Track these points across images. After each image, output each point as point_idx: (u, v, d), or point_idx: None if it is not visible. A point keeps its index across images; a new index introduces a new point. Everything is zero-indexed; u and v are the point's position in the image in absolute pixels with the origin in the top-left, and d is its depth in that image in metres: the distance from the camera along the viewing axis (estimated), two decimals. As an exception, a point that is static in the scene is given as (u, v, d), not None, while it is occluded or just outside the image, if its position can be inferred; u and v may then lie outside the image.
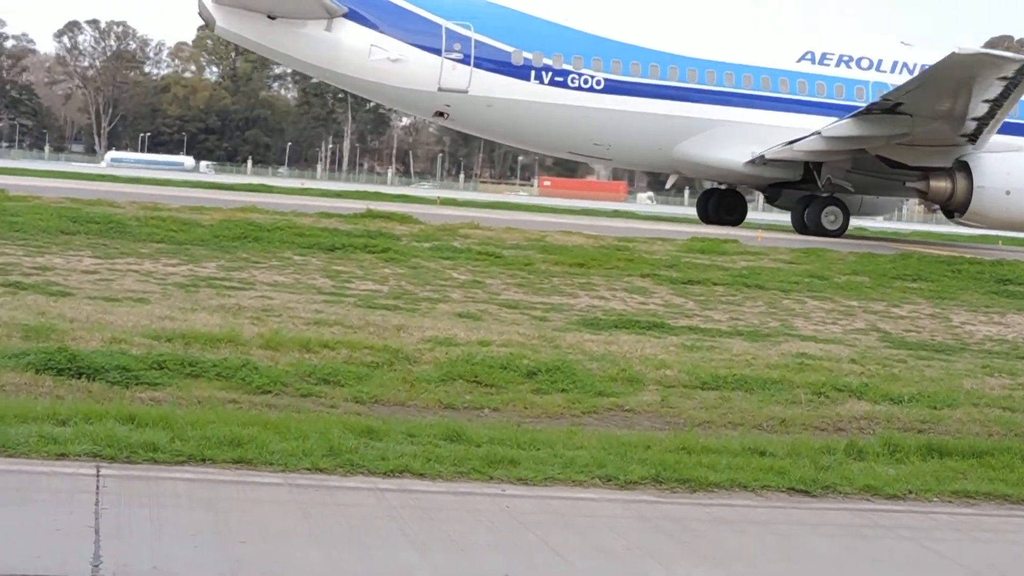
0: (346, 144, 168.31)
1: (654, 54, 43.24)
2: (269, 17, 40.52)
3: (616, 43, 43.08)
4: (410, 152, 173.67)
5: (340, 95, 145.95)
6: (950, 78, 36.79)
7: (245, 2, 40.17)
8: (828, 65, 44.61)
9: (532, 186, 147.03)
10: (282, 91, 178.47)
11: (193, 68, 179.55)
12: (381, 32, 41.27)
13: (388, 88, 42.60)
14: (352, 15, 40.94)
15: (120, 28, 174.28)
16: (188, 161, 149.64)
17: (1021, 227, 42.57)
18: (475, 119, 43.91)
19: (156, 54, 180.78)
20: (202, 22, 43.70)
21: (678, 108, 43.04)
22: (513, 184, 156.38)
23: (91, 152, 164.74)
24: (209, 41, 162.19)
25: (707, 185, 50.33)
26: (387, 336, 15.26)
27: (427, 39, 41.56)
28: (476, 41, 41.68)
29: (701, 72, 43.39)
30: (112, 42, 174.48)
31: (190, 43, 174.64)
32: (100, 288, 17.43)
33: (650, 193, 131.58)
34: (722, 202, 47.61)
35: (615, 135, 43.43)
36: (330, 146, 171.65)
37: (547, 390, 13.72)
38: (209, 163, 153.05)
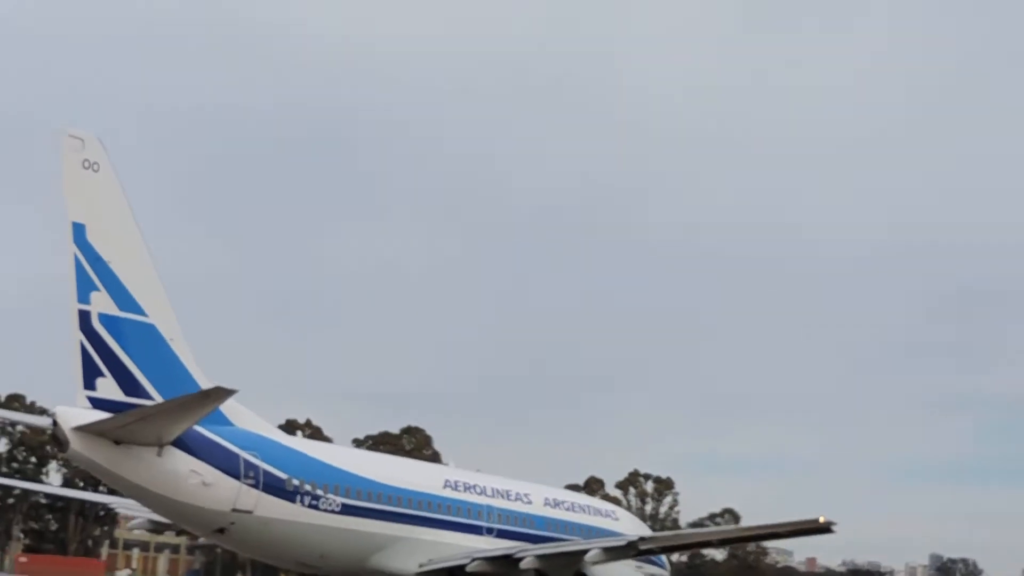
0: None
1: (377, 485, 56.67)
2: (115, 443, 48.23)
3: (355, 476, 56.15)
4: None
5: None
6: None
7: (99, 429, 47.75)
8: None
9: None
10: None
11: None
12: (199, 459, 50.41)
13: (189, 507, 50.90)
14: (177, 443, 49.42)
15: None
16: None
17: None
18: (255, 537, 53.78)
19: None
20: (56, 443, 50.82)
21: (376, 526, 56.30)
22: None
23: None
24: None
25: None
26: None
27: (228, 465, 51.26)
28: (263, 469, 52.32)
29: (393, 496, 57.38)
30: None
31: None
32: None
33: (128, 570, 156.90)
34: None
35: (336, 548, 55.48)
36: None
37: None
38: None
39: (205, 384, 50.14)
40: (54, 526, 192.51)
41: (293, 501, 53.45)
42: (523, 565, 55.78)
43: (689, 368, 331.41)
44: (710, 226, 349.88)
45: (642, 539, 58.23)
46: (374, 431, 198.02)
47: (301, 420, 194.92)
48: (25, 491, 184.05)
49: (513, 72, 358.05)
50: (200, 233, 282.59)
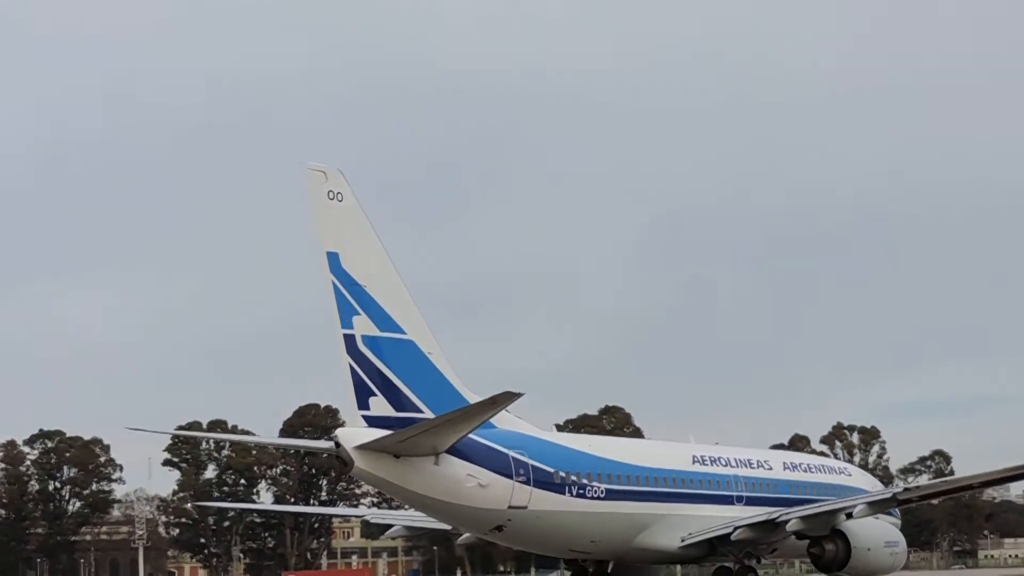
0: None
1: (634, 468, 59.41)
2: (395, 456, 50.63)
3: (611, 462, 58.77)
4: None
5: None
6: None
7: (380, 445, 50.18)
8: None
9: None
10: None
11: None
12: (473, 463, 52.44)
13: (467, 508, 53.10)
14: (451, 450, 51.26)
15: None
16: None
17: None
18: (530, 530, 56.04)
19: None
20: (339, 463, 52.23)
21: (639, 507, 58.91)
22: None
23: None
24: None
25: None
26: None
27: (500, 466, 53.42)
28: (532, 466, 54.63)
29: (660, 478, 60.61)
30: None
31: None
32: None
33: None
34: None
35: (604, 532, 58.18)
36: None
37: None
38: None
39: (466, 393, 53.47)
40: (271, 543, 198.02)
41: (562, 493, 56.04)
42: (789, 528, 58.31)
43: (878, 311, 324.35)
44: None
45: (906, 489, 63.40)
46: (572, 415, 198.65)
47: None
48: (240, 512, 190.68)
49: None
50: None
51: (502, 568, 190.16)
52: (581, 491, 56.76)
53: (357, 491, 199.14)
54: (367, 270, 52.68)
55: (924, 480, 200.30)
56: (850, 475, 74.02)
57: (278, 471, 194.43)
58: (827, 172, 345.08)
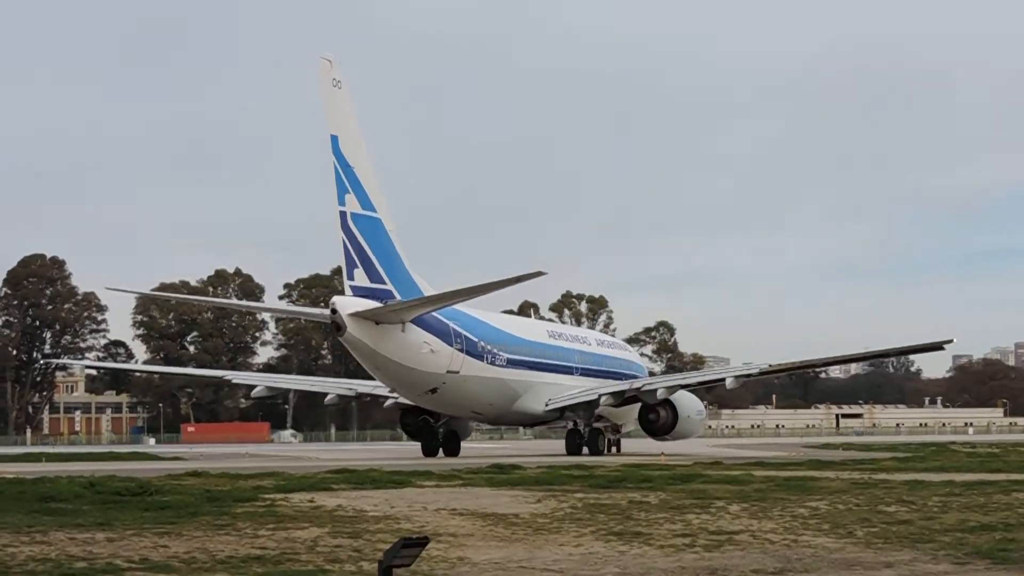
0: None
1: (523, 341, 69.55)
2: (375, 323, 57.94)
3: (509, 335, 68.45)
4: None
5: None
6: None
7: (370, 314, 57.71)
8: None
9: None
10: None
11: None
12: (427, 331, 60.31)
13: (417, 372, 60.42)
14: (414, 319, 59.14)
15: None
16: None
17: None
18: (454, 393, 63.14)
19: None
20: (335, 328, 59.03)
21: (524, 375, 68.13)
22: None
23: None
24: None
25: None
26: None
27: (444, 334, 61.32)
28: (465, 336, 62.94)
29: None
30: None
31: None
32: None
33: (291, 430, 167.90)
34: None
35: (500, 396, 66.77)
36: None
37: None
38: None
39: (410, 267, 61.64)
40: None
41: (482, 360, 64.21)
42: (660, 396, 68.66)
43: (608, 191, 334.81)
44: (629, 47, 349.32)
45: (770, 366, 76.03)
46: (303, 275, 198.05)
47: (231, 270, 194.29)
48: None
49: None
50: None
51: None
52: (492, 360, 65.05)
53: (82, 344, 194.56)
54: (355, 153, 58.57)
55: (649, 349, 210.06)
56: (629, 351, 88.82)
57: (0, 322, 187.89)
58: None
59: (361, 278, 58.61)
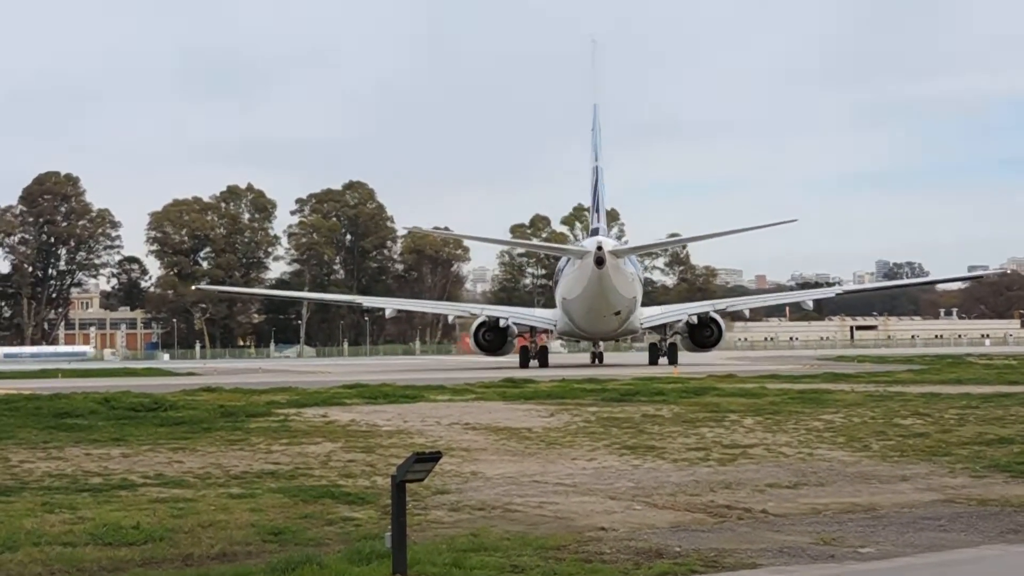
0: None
1: None
2: (616, 257, 72.63)
3: None
4: None
5: None
6: None
7: (617, 252, 73.92)
8: None
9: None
10: None
11: None
12: (631, 266, 78.00)
13: (624, 298, 74.96)
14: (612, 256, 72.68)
15: None
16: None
17: None
18: None
19: None
20: (596, 262, 71.46)
21: None
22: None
23: None
24: None
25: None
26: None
27: (637, 270, 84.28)
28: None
29: None
30: None
31: None
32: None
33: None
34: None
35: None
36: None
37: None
38: None
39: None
40: (8, 312, 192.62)
41: None
42: (724, 314, 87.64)
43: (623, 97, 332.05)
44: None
45: (845, 292, 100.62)
46: (317, 189, 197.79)
47: (243, 185, 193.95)
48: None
49: None
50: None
51: (242, 343, 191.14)
52: None
53: (96, 261, 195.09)
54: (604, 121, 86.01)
55: (661, 262, 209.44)
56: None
57: (16, 239, 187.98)
58: None
59: (597, 222, 79.58)
